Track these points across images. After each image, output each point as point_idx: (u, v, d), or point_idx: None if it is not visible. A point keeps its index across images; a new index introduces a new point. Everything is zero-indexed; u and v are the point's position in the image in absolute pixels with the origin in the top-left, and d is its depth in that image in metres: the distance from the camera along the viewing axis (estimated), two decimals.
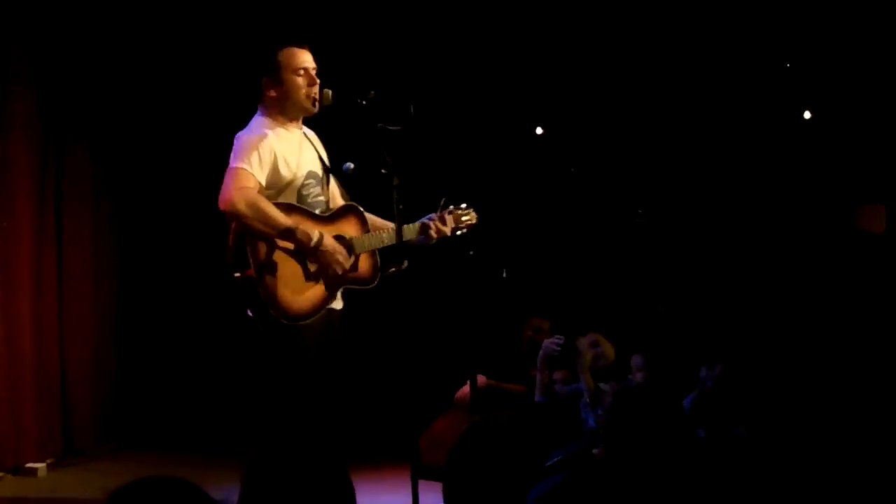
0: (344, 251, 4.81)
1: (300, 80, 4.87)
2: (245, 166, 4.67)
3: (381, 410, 8.09)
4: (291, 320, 4.67)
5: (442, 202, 5.12)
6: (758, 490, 3.98)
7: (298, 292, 4.71)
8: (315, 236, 4.71)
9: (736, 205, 8.60)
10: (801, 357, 5.63)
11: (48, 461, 7.39)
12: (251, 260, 4.60)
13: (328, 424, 4.76)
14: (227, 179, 4.65)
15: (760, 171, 8.54)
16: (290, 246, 4.70)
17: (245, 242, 4.61)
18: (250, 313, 4.70)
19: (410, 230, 5.03)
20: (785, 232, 8.46)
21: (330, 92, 4.90)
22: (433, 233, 5.06)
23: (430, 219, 5.08)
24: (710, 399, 5.45)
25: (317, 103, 4.90)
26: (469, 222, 5.23)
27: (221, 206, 4.61)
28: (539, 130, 8.81)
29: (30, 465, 7.23)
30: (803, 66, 8.34)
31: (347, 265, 4.83)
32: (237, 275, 4.61)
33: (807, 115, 8.41)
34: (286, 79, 4.85)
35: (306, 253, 4.72)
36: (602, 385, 6.01)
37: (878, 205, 8.38)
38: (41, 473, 7.23)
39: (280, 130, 4.85)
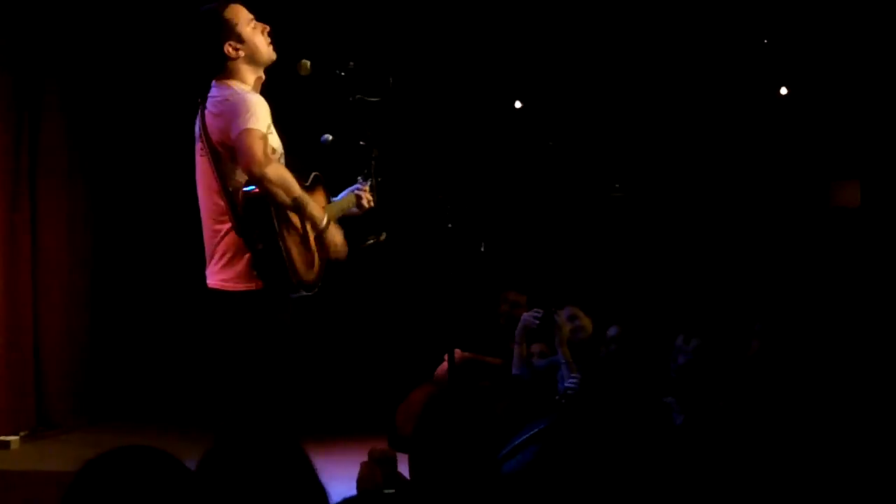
0: (343, 241, 4.72)
1: (257, 29, 4.65)
2: (260, 128, 4.45)
3: (359, 383, 8.09)
4: (308, 289, 4.59)
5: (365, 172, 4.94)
6: (732, 463, 3.99)
7: (307, 262, 4.61)
8: (323, 222, 4.59)
9: (712, 180, 8.62)
10: (779, 331, 5.64)
11: (21, 433, 7.35)
12: (277, 225, 4.44)
13: (289, 405, 4.66)
14: (248, 142, 4.38)
15: (736, 146, 8.55)
16: (298, 221, 4.59)
17: (266, 208, 4.43)
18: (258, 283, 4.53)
19: (347, 201, 4.90)
20: (761, 207, 8.48)
21: (308, 63, 4.80)
22: (365, 202, 4.91)
23: (359, 188, 4.92)
24: (683, 372, 5.47)
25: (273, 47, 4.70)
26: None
27: (255, 169, 4.36)
28: (518, 104, 8.79)
29: (2, 437, 7.18)
30: (779, 41, 8.34)
31: (343, 253, 4.74)
32: (259, 246, 4.44)
33: (783, 90, 8.42)
34: (244, 32, 4.60)
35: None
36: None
37: (853, 180, 8.43)
38: (14, 446, 7.18)
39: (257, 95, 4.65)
